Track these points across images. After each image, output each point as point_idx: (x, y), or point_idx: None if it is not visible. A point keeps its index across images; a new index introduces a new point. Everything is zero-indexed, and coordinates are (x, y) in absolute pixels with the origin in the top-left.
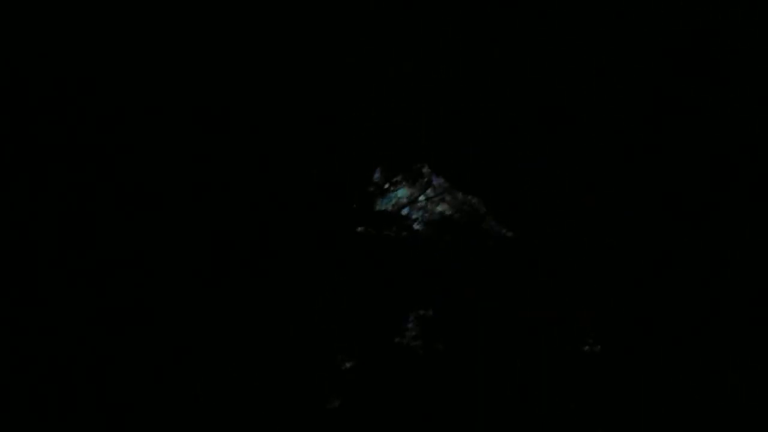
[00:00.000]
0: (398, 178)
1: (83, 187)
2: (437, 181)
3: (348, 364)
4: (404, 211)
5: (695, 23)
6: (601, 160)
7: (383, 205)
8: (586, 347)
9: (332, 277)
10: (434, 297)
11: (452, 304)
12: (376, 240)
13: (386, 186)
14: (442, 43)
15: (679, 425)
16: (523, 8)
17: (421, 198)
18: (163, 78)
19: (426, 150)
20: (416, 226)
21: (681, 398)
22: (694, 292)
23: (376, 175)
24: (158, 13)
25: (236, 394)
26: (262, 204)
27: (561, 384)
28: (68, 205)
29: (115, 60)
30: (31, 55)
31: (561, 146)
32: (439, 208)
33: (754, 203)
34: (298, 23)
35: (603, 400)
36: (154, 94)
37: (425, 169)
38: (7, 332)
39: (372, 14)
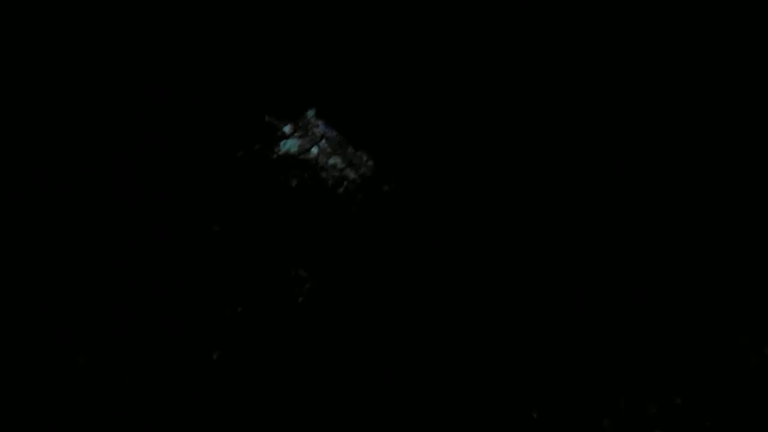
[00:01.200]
0: (287, 128)
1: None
2: (330, 133)
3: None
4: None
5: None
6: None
7: (273, 154)
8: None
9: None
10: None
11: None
12: (266, 191)
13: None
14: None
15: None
16: None
17: (314, 150)
18: None
19: (318, 99)
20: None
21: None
22: (690, 292)
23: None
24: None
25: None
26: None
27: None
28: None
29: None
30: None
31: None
32: (332, 161)
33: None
34: None
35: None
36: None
37: (317, 120)
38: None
39: None
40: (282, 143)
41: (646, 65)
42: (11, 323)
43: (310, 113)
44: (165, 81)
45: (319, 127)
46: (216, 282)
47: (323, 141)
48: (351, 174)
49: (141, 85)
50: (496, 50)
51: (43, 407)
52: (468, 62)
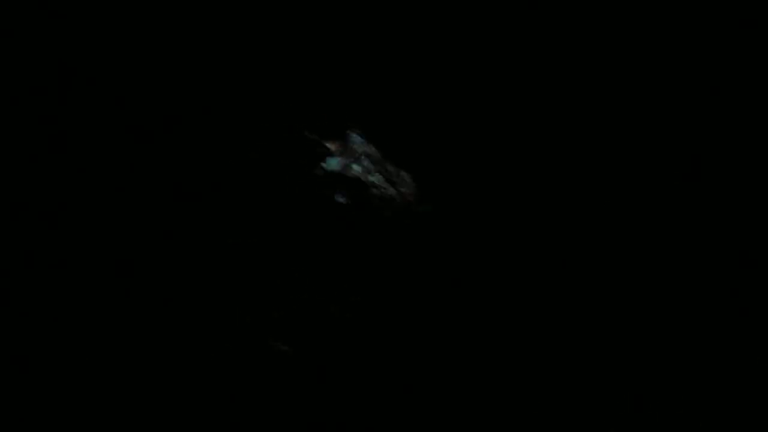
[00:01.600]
0: (330, 145)
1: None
2: (370, 150)
3: (282, 346)
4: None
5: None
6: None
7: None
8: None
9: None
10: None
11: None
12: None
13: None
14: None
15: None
16: None
17: (355, 167)
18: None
19: (358, 115)
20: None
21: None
22: (691, 293)
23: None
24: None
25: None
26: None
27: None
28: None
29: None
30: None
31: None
32: (372, 179)
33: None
34: None
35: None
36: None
37: (356, 136)
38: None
39: None
40: (327, 160)
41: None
42: (12, 324)
43: (351, 130)
44: (205, 94)
45: (359, 144)
46: (267, 296)
47: (364, 158)
48: (391, 191)
49: (178, 94)
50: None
51: (44, 407)
52: (512, 80)
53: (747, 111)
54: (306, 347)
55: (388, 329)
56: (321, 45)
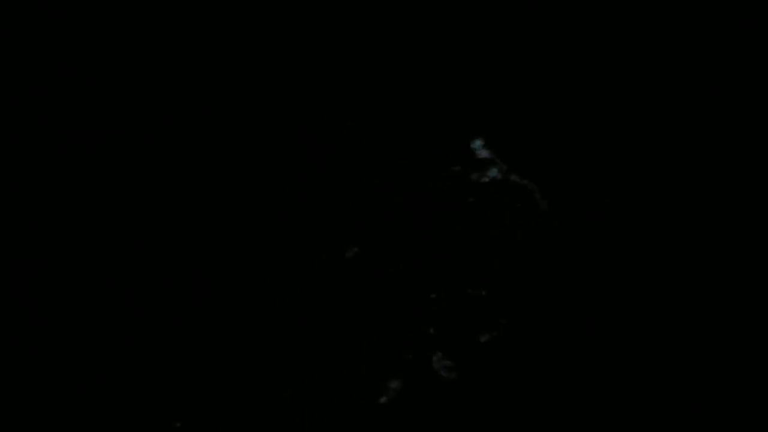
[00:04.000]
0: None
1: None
2: (495, 161)
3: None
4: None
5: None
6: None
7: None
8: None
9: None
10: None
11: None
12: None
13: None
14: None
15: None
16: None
17: (484, 180)
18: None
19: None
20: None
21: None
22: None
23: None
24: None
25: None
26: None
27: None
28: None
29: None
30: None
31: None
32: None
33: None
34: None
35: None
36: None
37: (482, 150)
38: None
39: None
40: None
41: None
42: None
43: (477, 142)
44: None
45: (485, 156)
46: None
47: (493, 170)
48: (518, 203)
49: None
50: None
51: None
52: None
53: (747, 111)
54: (465, 371)
55: (534, 355)
56: (444, 58)
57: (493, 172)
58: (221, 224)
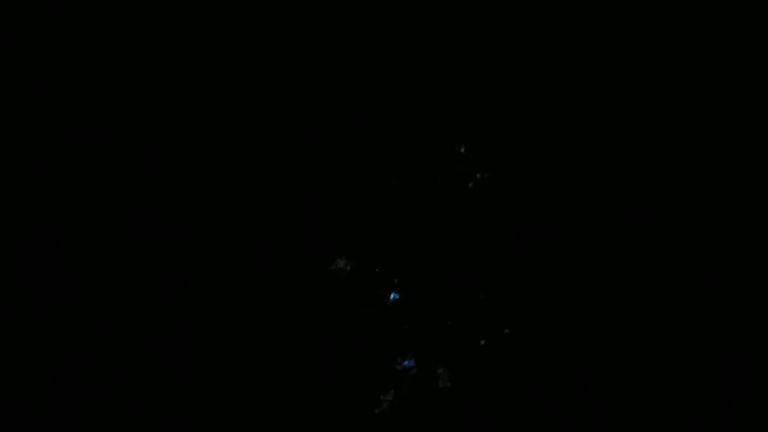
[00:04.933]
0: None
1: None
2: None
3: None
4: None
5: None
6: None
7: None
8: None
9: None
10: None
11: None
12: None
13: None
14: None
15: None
16: None
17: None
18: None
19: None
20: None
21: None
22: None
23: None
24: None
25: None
26: None
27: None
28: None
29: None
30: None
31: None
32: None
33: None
34: None
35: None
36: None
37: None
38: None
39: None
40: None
41: None
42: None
43: (462, 148)
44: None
45: (474, 158)
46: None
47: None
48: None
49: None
50: None
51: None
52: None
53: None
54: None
55: (534, 359)
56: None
57: (484, 175)
58: (221, 224)
